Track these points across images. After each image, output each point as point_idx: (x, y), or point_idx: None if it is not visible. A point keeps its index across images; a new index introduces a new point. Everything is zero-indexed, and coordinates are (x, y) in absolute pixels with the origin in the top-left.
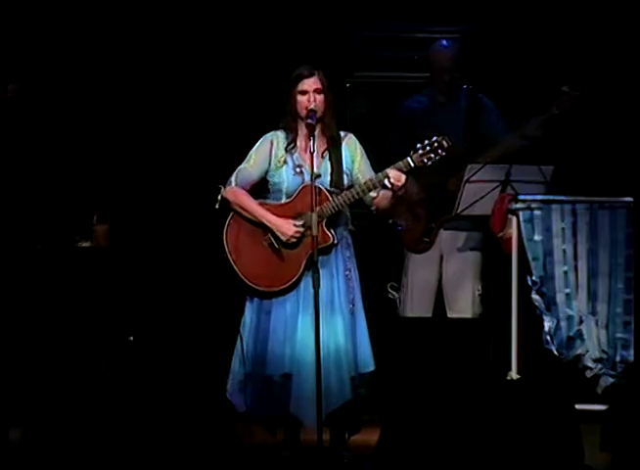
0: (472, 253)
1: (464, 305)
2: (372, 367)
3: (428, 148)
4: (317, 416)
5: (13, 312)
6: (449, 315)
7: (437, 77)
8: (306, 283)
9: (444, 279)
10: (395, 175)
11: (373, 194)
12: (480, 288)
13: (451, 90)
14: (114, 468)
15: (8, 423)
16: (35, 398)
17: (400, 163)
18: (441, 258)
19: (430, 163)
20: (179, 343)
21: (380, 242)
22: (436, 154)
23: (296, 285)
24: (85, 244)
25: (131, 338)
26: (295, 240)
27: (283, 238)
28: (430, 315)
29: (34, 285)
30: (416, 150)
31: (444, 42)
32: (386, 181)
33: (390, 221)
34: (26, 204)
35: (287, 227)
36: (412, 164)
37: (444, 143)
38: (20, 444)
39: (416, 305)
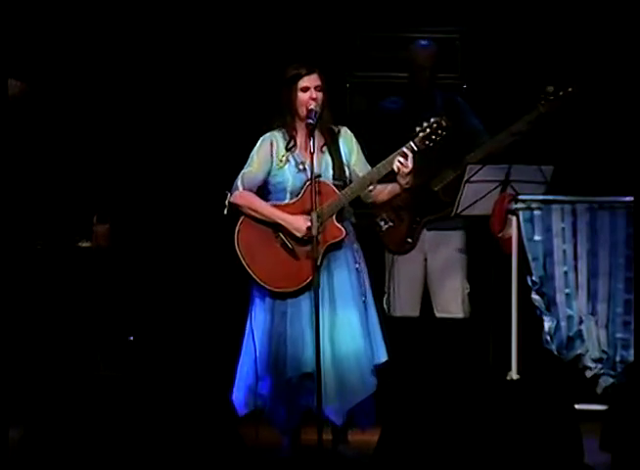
0: (456, 252)
1: (454, 305)
2: (385, 358)
3: (428, 130)
4: (317, 416)
5: (13, 312)
6: (438, 315)
7: (417, 76)
8: (320, 280)
9: (430, 280)
10: (403, 161)
11: (370, 187)
12: (467, 286)
13: (428, 91)
14: (115, 468)
15: (8, 423)
16: (35, 397)
17: (403, 148)
18: (425, 258)
19: (432, 144)
20: (180, 343)
21: (376, 242)
22: (438, 134)
23: (312, 283)
24: (85, 244)
25: (131, 338)
26: (312, 235)
27: (299, 234)
28: (416, 315)
29: (34, 285)
30: (417, 133)
31: (423, 41)
32: (394, 165)
33: (378, 219)
34: (27, 203)
35: (301, 224)
36: (415, 148)
37: (443, 122)
38: (20, 443)
39: (405, 304)
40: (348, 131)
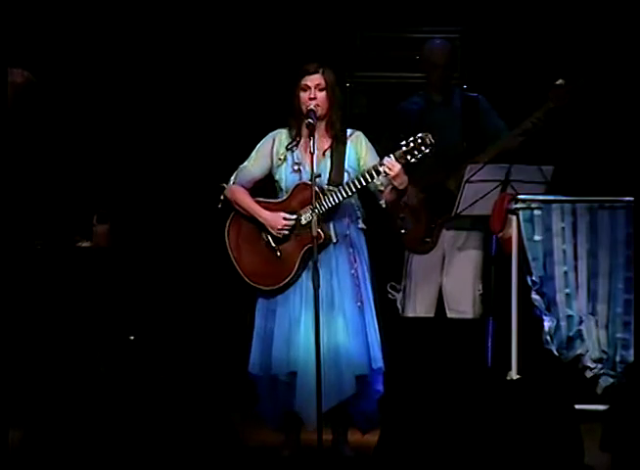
0: (473, 252)
1: (466, 305)
2: (380, 364)
3: (411, 145)
4: (317, 416)
5: (13, 312)
6: (449, 315)
7: (432, 75)
8: (309, 281)
9: (445, 279)
10: (388, 163)
11: (381, 188)
12: (480, 288)
13: (446, 90)
14: (114, 468)
15: (8, 424)
16: (35, 398)
17: (384, 160)
18: (443, 257)
19: (413, 160)
20: (180, 343)
21: (378, 242)
22: (420, 151)
23: (292, 283)
24: (85, 244)
25: (132, 337)
26: (285, 233)
27: (273, 232)
28: (432, 315)
29: (34, 285)
30: (400, 147)
31: (437, 40)
32: (381, 169)
33: (398, 219)
34: (27, 203)
35: (276, 221)
36: (394, 161)
37: (427, 140)
38: (20, 444)
39: (418, 305)
40: (361, 136)
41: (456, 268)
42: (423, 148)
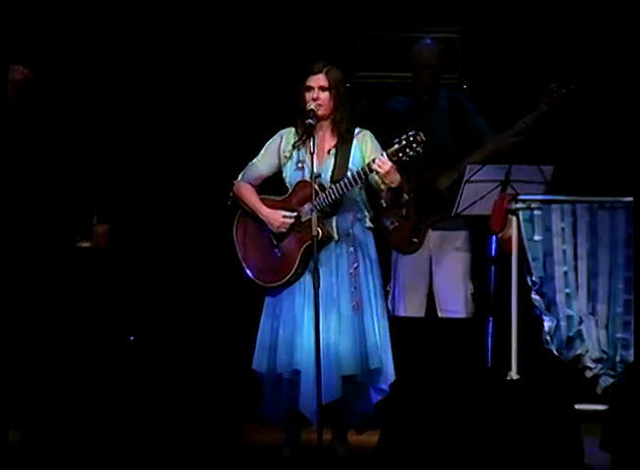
0: (461, 252)
1: (457, 305)
2: (377, 365)
3: (403, 142)
4: (317, 416)
5: (13, 313)
6: (440, 315)
7: (422, 75)
8: (311, 279)
9: (435, 280)
10: (379, 161)
11: (382, 186)
12: (471, 286)
13: (433, 90)
14: (114, 468)
15: (8, 424)
16: (35, 398)
17: (377, 158)
18: (430, 258)
19: (405, 158)
20: (179, 343)
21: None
22: (411, 149)
23: (293, 281)
24: (85, 244)
25: (131, 337)
26: (283, 231)
27: (272, 229)
28: (422, 315)
29: (34, 285)
30: (392, 145)
31: (427, 40)
32: (373, 167)
33: (384, 218)
34: (27, 202)
35: (275, 218)
36: (387, 159)
37: (419, 138)
38: (20, 444)
39: (408, 305)
40: (367, 135)
41: (444, 269)
42: (414, 145)
